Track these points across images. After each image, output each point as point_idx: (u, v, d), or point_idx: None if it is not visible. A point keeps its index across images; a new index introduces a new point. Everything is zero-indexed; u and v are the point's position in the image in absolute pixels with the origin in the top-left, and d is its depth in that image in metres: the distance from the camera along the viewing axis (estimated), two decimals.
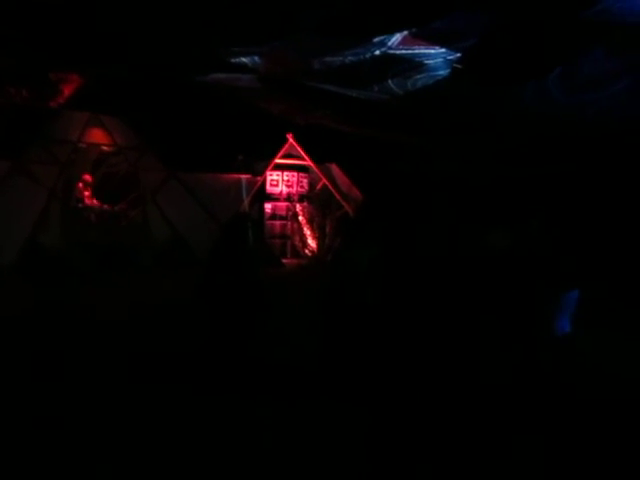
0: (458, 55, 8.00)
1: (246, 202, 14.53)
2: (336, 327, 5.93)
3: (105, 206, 13.49)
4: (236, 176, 14.75)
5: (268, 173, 15.25)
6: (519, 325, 6.51)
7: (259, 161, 15.30)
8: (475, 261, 7.27)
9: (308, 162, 15.39)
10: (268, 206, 15.53)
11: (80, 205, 13.11)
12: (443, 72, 8.51)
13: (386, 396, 4.76)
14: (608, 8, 5.43)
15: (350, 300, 5.94)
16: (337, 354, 5.88)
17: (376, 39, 7.76)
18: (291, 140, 14.98)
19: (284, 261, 14.71)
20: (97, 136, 13.15)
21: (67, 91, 14.63)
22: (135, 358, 6.31)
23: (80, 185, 13.29)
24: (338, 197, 15.05)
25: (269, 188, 15.37)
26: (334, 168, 15.85)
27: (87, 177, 13.44)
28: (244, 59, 8.31)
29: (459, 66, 8.07)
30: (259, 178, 15.09)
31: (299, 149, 15.15)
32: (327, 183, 15.32)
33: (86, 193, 13.34)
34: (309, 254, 15.21)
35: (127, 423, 4.64)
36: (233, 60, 8.64)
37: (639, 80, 7.42)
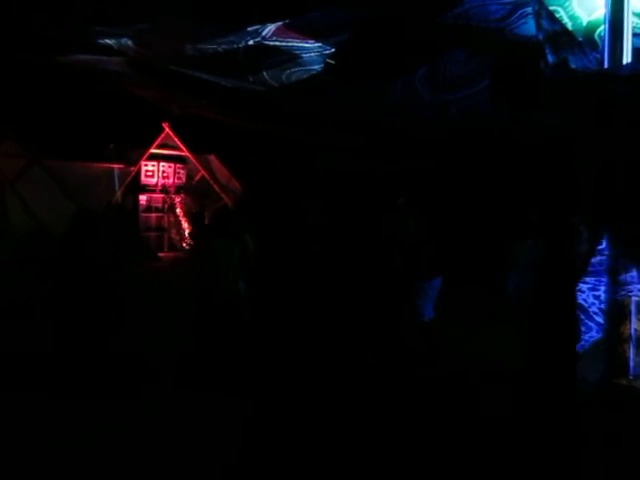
0: (333, 50, 8.10)
1: (119, 193, 13.82)
2: (207, 319, 5.85)
3: None
4: (107, 165, 13.96)
5: (143, 163, 14.62)
6: (386, 312, 6.79)
7: (133, 150, 14.61)
8: (345, 252, 7.44)
9: (186, 153, 14.96)
10: (143, 198, 14.93)
11: None
12: (317, 67, 8.58)
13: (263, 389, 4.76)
14: (464, 13, 5.76)
15: (221, 291, 5.88)
16: (207, 347, 5.80)
17: (250, 28, 7.64)
18: (167, 129, 14.46)
19: (160, 254, 14.23)
20: None
21: None
22: None
23: None
24: (217, 189, 14.78)
25: (144, 179, 14.76)
26: (213, 159, 15.55)
27: None
28: (109, 41, 7.82)
29: (332, 61, 8.18)
30: (133, 168, 14.41)
31: (176, 139, 14.66)
32: (205, 174, 14.99)
33: None
34: (187, 247, 14.82)
35: None
36: (98, 41, 8.11)
37: (497, 81, 7.94)
